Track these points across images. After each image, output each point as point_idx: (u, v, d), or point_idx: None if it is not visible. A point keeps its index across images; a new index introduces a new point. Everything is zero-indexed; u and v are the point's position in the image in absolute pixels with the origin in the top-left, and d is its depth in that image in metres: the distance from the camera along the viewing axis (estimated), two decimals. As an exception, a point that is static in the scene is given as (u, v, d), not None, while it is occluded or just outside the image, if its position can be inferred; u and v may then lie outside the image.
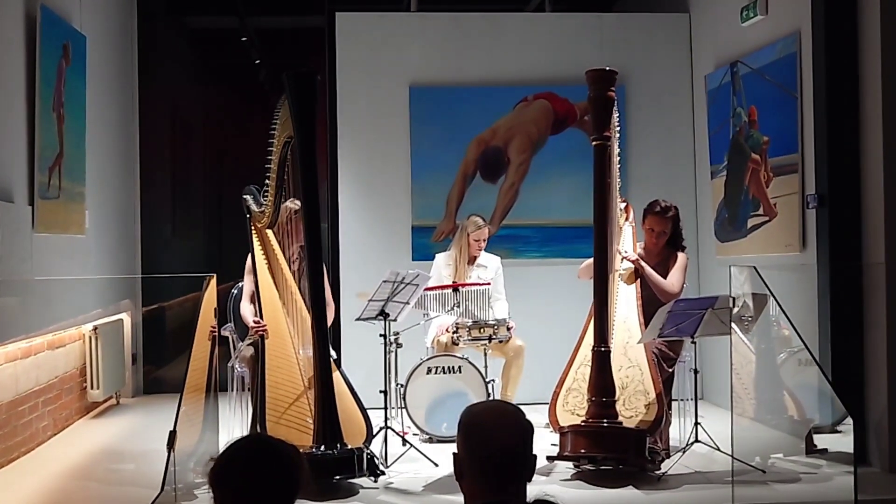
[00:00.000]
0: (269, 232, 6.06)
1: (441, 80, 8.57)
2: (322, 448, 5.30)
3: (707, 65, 8.27)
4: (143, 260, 9.32)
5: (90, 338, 7.59)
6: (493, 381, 6.71)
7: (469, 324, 6.77)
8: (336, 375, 5.63)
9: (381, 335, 6.04)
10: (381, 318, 5.99)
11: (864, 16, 5.92)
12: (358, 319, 6.06)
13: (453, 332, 6.89)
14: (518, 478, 2.49)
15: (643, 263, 6.24)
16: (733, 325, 5.77)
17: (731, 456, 5.37)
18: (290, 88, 5.35)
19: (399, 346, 6.66)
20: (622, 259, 6.33)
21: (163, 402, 8.03)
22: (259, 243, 5.99)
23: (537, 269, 8.48)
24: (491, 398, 6.66)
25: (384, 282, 5.87)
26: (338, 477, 5.28)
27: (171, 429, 4.28)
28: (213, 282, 5.31)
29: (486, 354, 6.78)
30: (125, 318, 8.65)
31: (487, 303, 7.10)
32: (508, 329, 6.89)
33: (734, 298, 5.51)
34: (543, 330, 7.79)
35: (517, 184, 8.60)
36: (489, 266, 7.35)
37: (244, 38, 11.73)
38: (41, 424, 6.68)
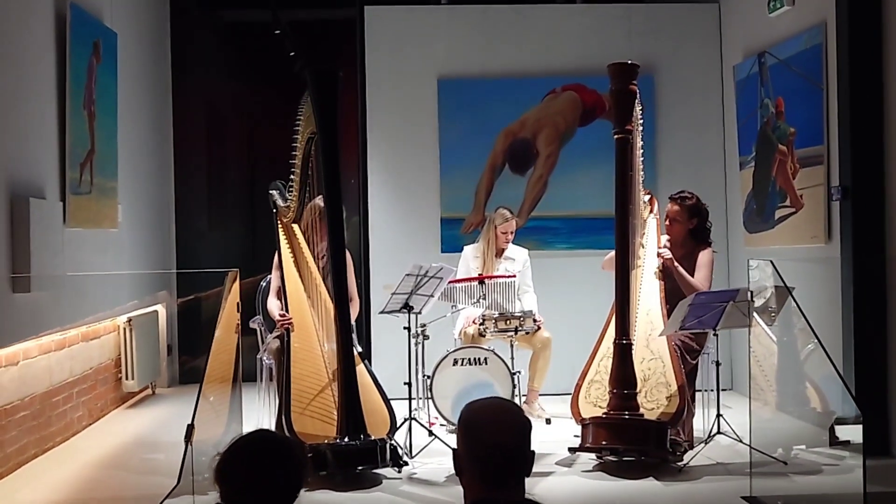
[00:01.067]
0: (296, 227, 6.14)
1: (469, 72, 8.62)
2: (346, 439, 5.39)
3: (735, 55, 8.25)
4: (179, 253, 9.46)
5: (125, 329, 7.73)
6: (518, 372, 6.76)
7: (496, 316, 6.83)
8: (360, 368, 5.71)
9: (405, 328, 6.12)
10: (405, 310, 6.06)
11: (888, 8, 5.90)
12: (381, 313, 6.14)
13: (480, 324, 6.95)
14: (516, 475, 2.53)
15: (676, 263, 6.25)
16: (755, 316, 5.78)
17: (750, 446, 5.39)
18: (311, 85, 5.43)
19: (426, 337, 6.74)
20: (647, 254, 6.37)
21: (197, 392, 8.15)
22: (285, 238, 6.07)
23: (566, 261, 8.51)
24: (516, 389, 6.73)
25: (407, 275, 5.94)
26: (361, 467, 5.36)
27: (189, 422, 4.36)
28: (237, 277, 5.41)
29: (512, 346, 6.83)
30: (160, 309, 8.79)
31: (515, 295, 7.16)
32: (535, 321, 6.94)
33: (752, 291, 5.51)
34: (571, 321, 7.81)
35: (545, 175, 8.64)
36: (517, 258, 7.39)
37: (277, 32, 11.85)
38: (76, 415, 6.83)
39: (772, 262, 5.36)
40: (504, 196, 8.45)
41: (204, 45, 10.55)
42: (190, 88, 9.77)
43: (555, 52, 8.64)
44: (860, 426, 5.94)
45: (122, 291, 7.91)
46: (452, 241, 8.37)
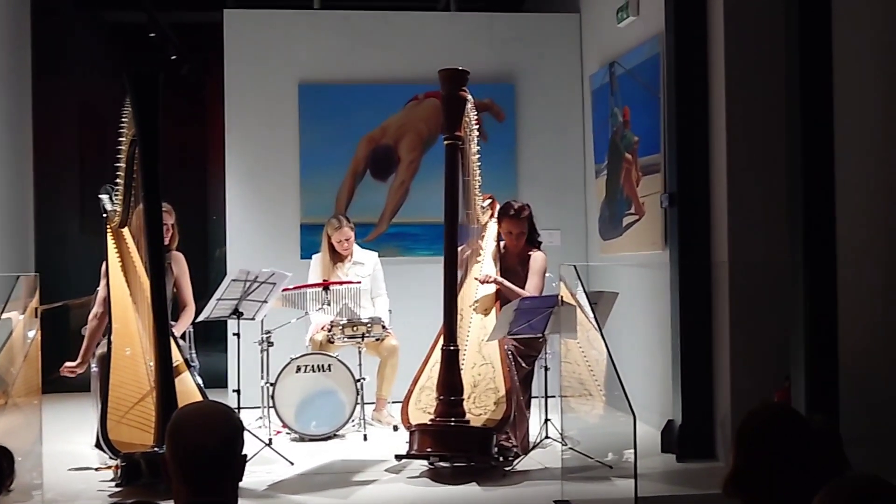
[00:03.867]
0: (126, 232, 6.05)
1: (331, 77, 8.59)
2: (163, 448, 5.29)
3: (593, 65, 8.35)
4: (44, 259, 9.25)
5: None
6: (364, 379, 6.74)
7: (343, 322, 6.80)
8: (184, 376, 5.63)
9: (234, 334, 6.07)
10: (234, 316, 6.00)
11: (714, 19, 6.00)
12: (205, 319, 6.08)
13: (328, 331, 6.92)
14: (221, 479, 2.50)
15: (501, 280, 6.27)
16: (585, 322, 5.83)
17: (562, 451, 5.46)
18: (129, 87, 5.34)
19: (271, 344, 6.70)
20: (485, 259, 6.40)
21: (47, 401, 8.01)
22: (113, 244, 5.98)
23: (427, 267, 8.50)
24: (359, 396, 6.72)
25: (234, 280, 5.88)
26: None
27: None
28: (36, 282, 5.31)
29: (360, 353, 6.81)
30: (14, 316, 8.58)
31: (364, 300, 7.15)
32: (384, 328, 6.93)
33: (561, 297, 5.57)
34: (433, 328, 7.76)
35: (407, 182, 8.64)
36: (366, 263, 7.39)
37: (152, 35, 11.72)
38: None
39: (574, 267, 5.42)
40: (365, 202, 8.47)
41: (77, 46, 10.39)
42: (60, 90, 9.60)
43: (418, 59, 8.65)
44: (677, 428, 6.07)
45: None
46: (313, 247, 8.27)
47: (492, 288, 6.32)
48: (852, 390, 5.27)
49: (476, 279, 6.33)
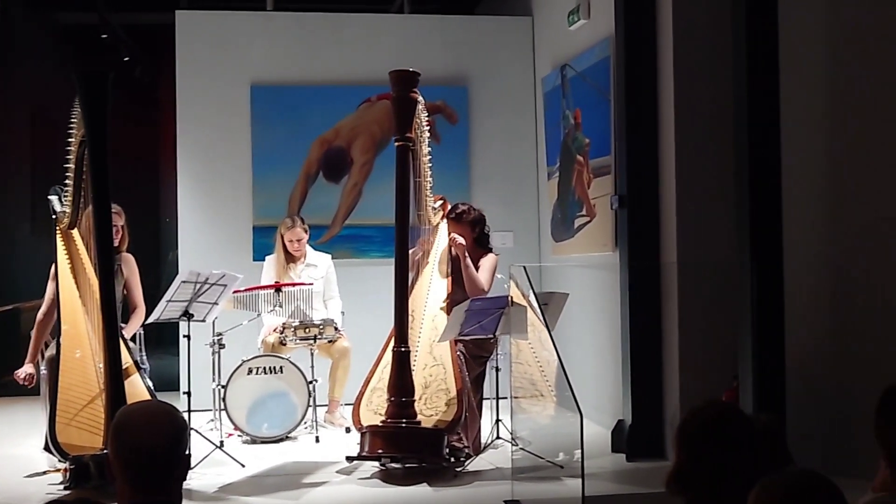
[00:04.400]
0: (76, 233, 6.00)
1: (284, 79, 8.57)
2: (112, 450, 5.26)
3: (545, 68, 8.40)
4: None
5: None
6: (316, 381, 6.73)
7: (295, 324, 6.79)
8: (134, 378, 5.61)
9: (185, 336, 6.05)
10: (184, 318, 5.97)
11: (663, 21, 6.07)
12: (153, 321, 6.04)
13: (280, 333, 6.91)
14: (165, 478, 2.50)
15: (466, 254, 6.28)
16: (536, 322, 5.86)
17: (511, 451, 5.50)
18: (78, 88, 5.31)
19: (222, 346, 6.67)
20: (436, 260, 6.42)
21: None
22: (63, 245, 5.93)
23: (380, 269, 8.49)
24: (311, 398, 6.71)
25: (184, 282, 5.85)
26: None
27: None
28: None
29: (312, 355, 6.80)
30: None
31: (316, 302, 7.14)
32: (336, 329, 6.93)
33: (511, 297, 5.60)
34: (386, 329, 7.80)
35: (360, 184, 8.64)
36: (319, 265, 7.38)
37: (105, 35, 11.62)
38: None
39: (524, 267, 5.45)
40: (318, 204, 8.46)
41: (30, 48, 10.28)
42: (11, 91, 9.50)
43: (371, 61, 8.64)
44: (627, 428, 6.12)
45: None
46: (265, 249, 8.24)
47: (444, 287, 6.34)
48: (799, 389, 5.35)
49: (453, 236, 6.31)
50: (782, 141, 5.15)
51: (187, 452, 2.57)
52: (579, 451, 6.05)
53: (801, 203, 5.52)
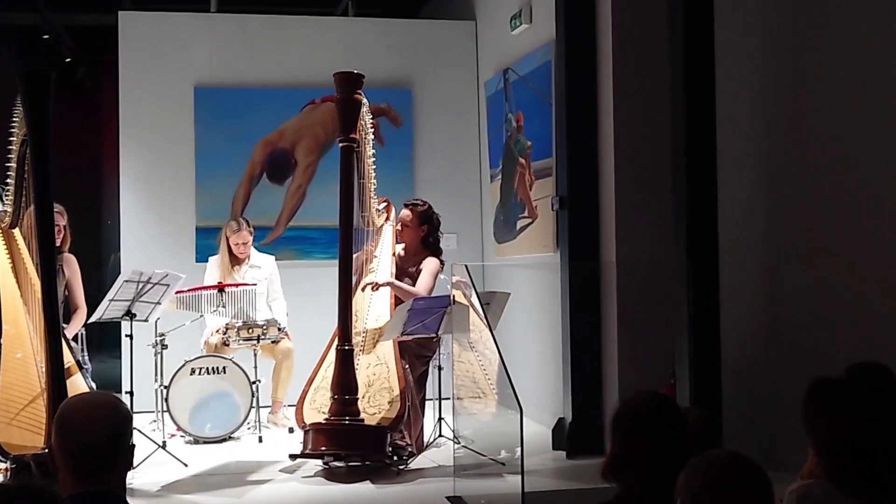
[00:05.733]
0: (17, 232, 5.97)
1: (227, 81, 8.58)
2: (53, 449, 5.24)
3: (488, 71, 8.49)
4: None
5: None
6: (259, 381, 6.74)
7: (239, 324, 6.80)
8: (75, 378, 5.59)
9: (127, 335, 6.04)
10: (127, 318, 5.97)
11: (602, 25, 6.18)
12: (95, 321, 6.03)
13: (223, 333, 6.92)
14: (108, 469, 2.53)
15: (392, 281, 6.34)
16: (478, 321, 5.93)
17: (454, 449, 5.57)
18: (21, 88, 5.28)
19: (165, 347, 6.66)
20: (380, 261, 6.47)
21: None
22: (4, 244, 5.90)
23: (324, 271, 8.51)
24: (255, 398, 6.72)
25: (126, 281, 5.85)
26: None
27: None
28: None
29: (255, 355, 6.81)
30: None
31: (260, 303, 7.15)
32: (280, 330, 6.95)
33: (453, 296, 5.67)
34: (329, 331, 7.83)
35: (304, 185, 8.66)
36: (263, 266, 7.39)
37: (46, 36, 11.54)
38: None
39: (466, 266, 5.53)
40: (262, 205, 8.47)
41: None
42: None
43: (315, 64, 8.66)
44: (567, 426, 6.21)
45: None
46: (208, 251, 8.23)
47: (386, 292, 6.39)
48: (735, 386, 5.48)
49: (367, 286, 6.36)
50: (718, 144, 5.28)
51: (131, 443, 2.59)
52: (516, 449, 6.16)
53: (737, 206, 5.65)
